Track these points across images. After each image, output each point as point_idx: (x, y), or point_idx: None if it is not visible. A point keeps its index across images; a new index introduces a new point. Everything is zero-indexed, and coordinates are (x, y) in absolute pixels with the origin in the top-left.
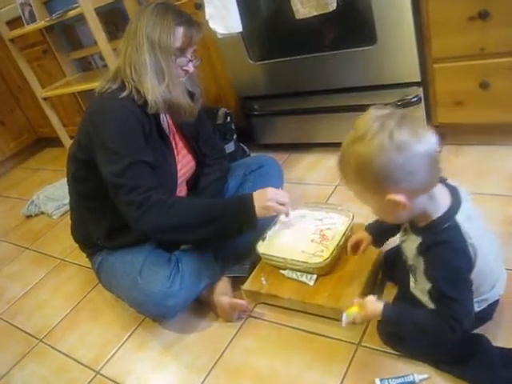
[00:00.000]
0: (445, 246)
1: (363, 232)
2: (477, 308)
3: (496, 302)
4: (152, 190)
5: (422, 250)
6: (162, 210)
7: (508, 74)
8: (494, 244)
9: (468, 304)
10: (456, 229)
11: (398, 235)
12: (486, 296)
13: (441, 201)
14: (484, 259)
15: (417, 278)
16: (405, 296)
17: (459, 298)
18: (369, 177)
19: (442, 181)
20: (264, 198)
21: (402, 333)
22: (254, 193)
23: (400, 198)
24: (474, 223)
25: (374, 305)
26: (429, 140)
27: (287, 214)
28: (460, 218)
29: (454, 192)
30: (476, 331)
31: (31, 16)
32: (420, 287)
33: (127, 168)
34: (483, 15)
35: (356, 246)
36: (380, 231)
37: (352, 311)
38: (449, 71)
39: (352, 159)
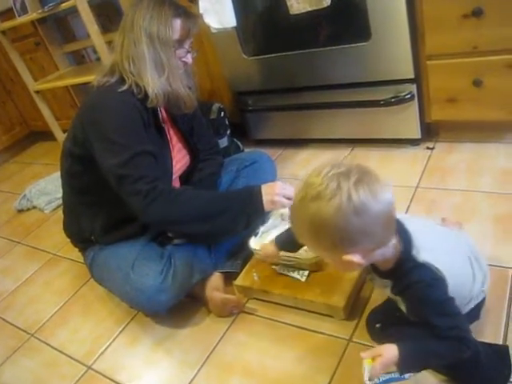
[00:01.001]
0: (418, 287)
1: (270, 247)
2: (465, 311)
3: (483, 301)
4: (158, 179)
5: (398, 293)
6: (169, 199)
7: (501, 72)
8: (467, 261)
9: (463, 318)
10: (420, 265)
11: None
12: (470, 300)
13: (396, 244)
14: (457, 275)
15: (401, 307)
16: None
17: (455, 321)
18: (324, 237)
19: None
20: (272, 192)
21: (426, 367)
22: (263, 186)
23: (356, 258)
24: (434, 250)
25: (389, 349)
26: (386, 197)
27: None
28: (417, 253)
29: (400, 229)
30: None
31: (23, 8)
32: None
33: (131, 158)
34: (477, 13)
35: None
36: (288, 244)
37: (369, 365)
38: (442, 68)
39: (306, 217)
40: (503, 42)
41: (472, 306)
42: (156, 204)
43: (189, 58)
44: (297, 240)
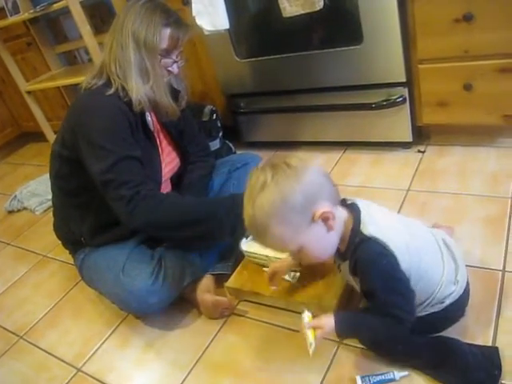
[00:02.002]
0: (364, 260)
1: (282, 261)
2: (440, 305)
3: (464, 297)
4: (141, 184)
5: (352, 270)
6: (153, 204)
7: (491, 77)
8: (433, 243)
9: (409, 301)
10: (365, 240)
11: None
12: (441, 285)
13: (345, 220)
14: (415, 255)
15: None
16: None
17: (398, 300)
18: (291, 211)
19: (343, 203)
20: None
21: (361, 341)
22: None
23: (325, 207)
24: (384, 227)
25: (327, 320)
26: (308, 162)
27: None
28: (365, 227)
29: (350, 207)
30: (449, 329)
31: (14, 7)
32: None
33: (116, 163)
34: (468, 18)
35: (273, 277)
36: None
37: (312, 337)
38: (433, 72)
39: (266, 208)
40: (493, 47)
41: (451, 299)
42: (139, 210)
43: (174, 68)
44: None
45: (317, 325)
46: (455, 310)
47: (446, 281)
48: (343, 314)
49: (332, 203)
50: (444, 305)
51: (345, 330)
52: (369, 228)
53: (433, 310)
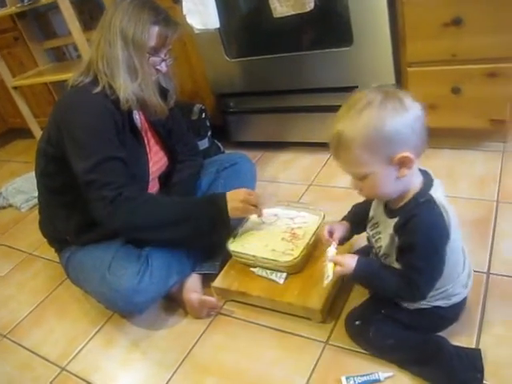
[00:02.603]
0: (421, 218)
1: (338, 222)
2: (448, 301)
3: (464, 301)
4: (124, 186)
5: (400, 226)
6: (133, 206)
7: (478, 81)
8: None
9: (433, 278)
10: (431, 202)
11: (368, 231)
12: (458, 286)
13: (417, 179)
14: (454, 242)
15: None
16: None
17: (426, 270)
18: (381, 140)
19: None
20: (237, 198)
21: (368, 286)
22: (228, 192)
23: (409, 154)
24: (445, 200)
25: (350, 260)
26: (420, 105)
27: (259, 215)
28: (434, 193)
29: (424, 173)
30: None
31: (1, 1)
32: None
33: (99, 164)
34: (457, 22)
35: (330, 235)
36: (356, 219)
37: (331, 270)
38: (422, 75)
39: (360, 128)
40: (481, 51)
41: (458, 300)
42: (119, 211)
43: (163, 67)
44: (361, 216)
45: (340, 261)
46: (455, 312)
47: (461, 281)
48: (365, 261)
49: (415, 155)
50: (450, 302)
51: (361, 275)
52: (438, 194)
53: (438, 304)
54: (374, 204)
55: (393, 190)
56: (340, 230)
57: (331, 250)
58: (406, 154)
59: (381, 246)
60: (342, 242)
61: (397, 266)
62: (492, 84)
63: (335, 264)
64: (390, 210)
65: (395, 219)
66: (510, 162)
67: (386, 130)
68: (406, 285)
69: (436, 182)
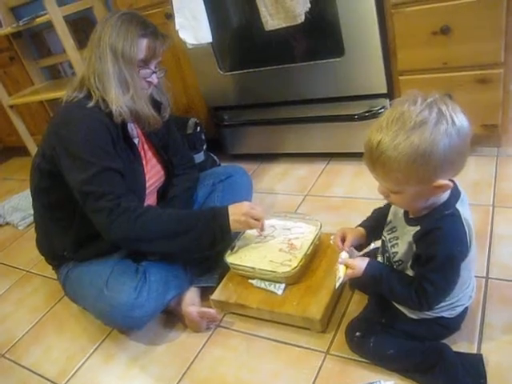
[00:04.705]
0: (445, 232)
1: (351, 228)
2: (453, 312)
3: (465, 311)
4: (122, 197)
5: (421, 235)
6: (132, 217)
7: (468, 87)
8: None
9: (444, 293)
10: (457, 216)
11: (385, 234)
12: (465, 297)
13: (444, 194)
14: (472, 252)
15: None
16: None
17: (440, 283)
18: (426, 165)
19: None
20: (239, 212)
21: (376, 289)
22: (230, 206)
23: (447, 181)
24: (468, 213)
25: (361, 263)
26: (467, 121)
27: (262, 230)
28: (460, 207)
29: (452, 182)
30: None
31: None
32: None
33: (96, 175)
34: (445, 30)
35: (342, 239)
36: (375, 224)
37: (343, 272)
38: (414, 83)
39: (406, 148)
40: (471, 58)
41: (461, 309)
42: (118, 222)
43: (154, 79)
44: (378, 224)
45: (350, 264)
46: (458, 321)
47: (468, 292)
48: (376, 264)
49: (454, 176)
50: (454, 313)
51: (370, 278)
52: (463, 210)
53: (443, 315)
54: (393, 207)
55: (423, 205)
56: (352, 236)
57: (342, 254)
58: (447, 182)
59: (396, 252)
60: (359, 248)
61: (410, 272)
62: (482, 90)
63: (346, 267)
64: (409, 217)
65: (416, 227)
66: (504, 167)
67: (434, 157)
68: (415, 293)
69: (463, 195)
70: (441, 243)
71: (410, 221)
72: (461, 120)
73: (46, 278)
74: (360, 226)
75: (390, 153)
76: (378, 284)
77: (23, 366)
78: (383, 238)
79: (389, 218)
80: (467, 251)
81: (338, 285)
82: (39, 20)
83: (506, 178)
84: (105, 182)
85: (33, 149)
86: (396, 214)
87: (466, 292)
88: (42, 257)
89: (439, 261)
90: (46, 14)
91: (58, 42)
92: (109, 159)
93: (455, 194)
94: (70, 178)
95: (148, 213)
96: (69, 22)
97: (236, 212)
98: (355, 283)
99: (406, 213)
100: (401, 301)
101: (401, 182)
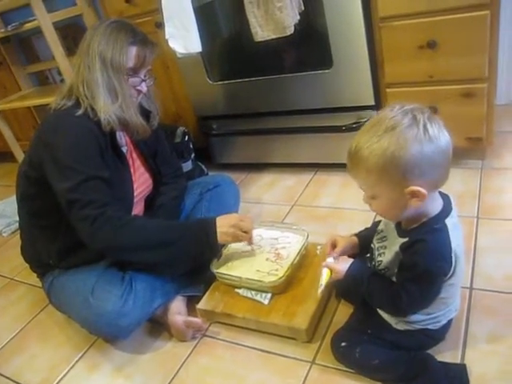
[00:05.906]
0: (428, 245)
1: (345, 236)
2: (438, 323)
3: (450, 322)
4: (107, 205)
5: (407, 246)
6: (117, 226)
7: (453, 101)
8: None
9: (418, 305)
10: (444, 232)
11: (375, 242)
12: (450, 312)
13: (435, 202)
14: (460, 271)
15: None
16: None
17: (415, 295)
18: (395, 168)
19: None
20: (227, 224)
21: (355, 291)
22: (218, 217)
23: (422, 189)
24: (457, 233)
25: (343, 266)
26: (448, 137)
27: (250, 243)
28: (449, 223)
29: (445, 197)
30: None
31: None
32: None
33: (82, 183)
34: (432, 45)
35: (332, 247)
36: (371, 234)
37: (328, 276)
38: (401, 96)
39: (377, 152)
40: (456, 73)
41: (445, 321)
42: (102, 230)
43: (143, 87)
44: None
45: (333, 267)
46: (443, 332)
47: (454, 306)
48: (358, 266)
49: (431, 187)
50: (439, 325)
51: (350, 278)
52: (452, 230)
53: (428, 327)
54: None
55: (401, 214)
56: (343, 243)
57: (329, 259)
58: (419, 188)
59: (381, 261)
60: (350, 257)
61: (395, 279)
62: (467, 104)
63: (331, 272)
64: (401, 229)
65: (405, 239)
66: (488, 179)
67: (402, 160)
68: (391, 299)
69: (454, 211)
70: (421, 255)
71: (401, 232)
72: (436, 130)
73: (30, 286)
74: (355, 235)
75: (363, 152)
76: (358, 285)
77: (4, 376)
78: (372, 245)
79: (380, 227)
80: (448, 268)
81: (319, 292)
82: (28, 26)
83: (490, 190)
84: (91, 191)
85: (19, 155)
86: (388, 223)
87: (452, 307)
88: (27, 264)
89: (417, 272)
90: (34, 19)
91: (46, 48)
92: (96, 167)
93: (446, 209)
94: (56, 185)
95: (133, 222)
96: (58, 28)
97: (224, 224)
98: (341, 292)
99: (398, 224)
100: (378, 304)
101: (374, 183)
